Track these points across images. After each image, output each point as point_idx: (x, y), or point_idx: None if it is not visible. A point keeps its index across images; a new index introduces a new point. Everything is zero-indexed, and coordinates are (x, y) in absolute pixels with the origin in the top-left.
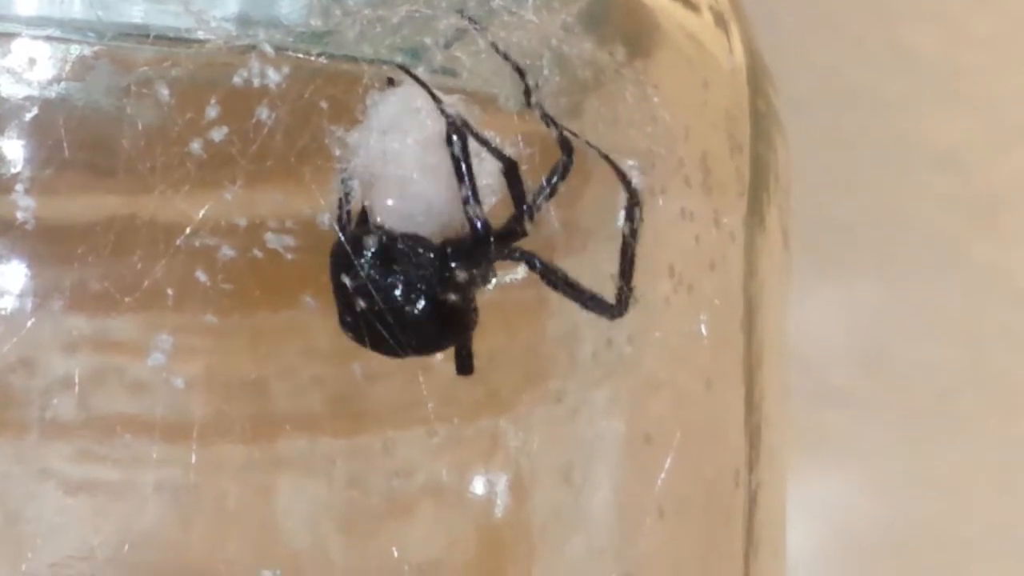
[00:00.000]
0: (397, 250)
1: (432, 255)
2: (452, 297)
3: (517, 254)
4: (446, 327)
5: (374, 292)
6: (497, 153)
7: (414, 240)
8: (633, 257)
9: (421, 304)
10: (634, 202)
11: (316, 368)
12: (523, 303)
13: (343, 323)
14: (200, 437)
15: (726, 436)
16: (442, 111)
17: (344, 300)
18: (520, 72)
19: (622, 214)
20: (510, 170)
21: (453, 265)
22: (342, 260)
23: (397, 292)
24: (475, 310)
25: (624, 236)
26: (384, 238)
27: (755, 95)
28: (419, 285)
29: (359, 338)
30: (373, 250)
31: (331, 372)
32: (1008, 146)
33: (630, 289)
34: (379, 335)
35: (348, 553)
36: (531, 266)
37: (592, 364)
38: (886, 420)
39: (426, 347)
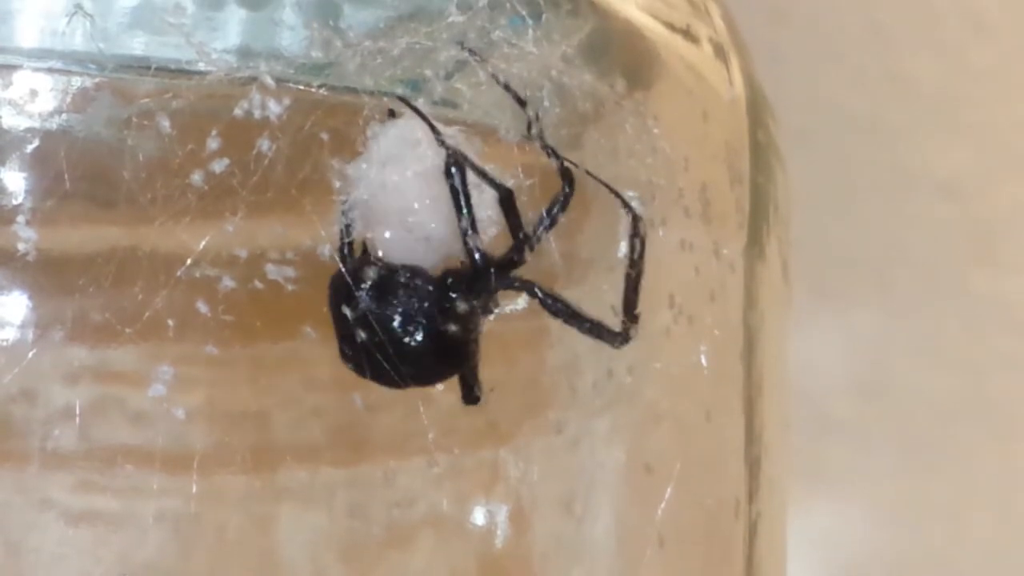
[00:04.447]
0: (397, 281)
1: (431, 287)
2: (452, 328)
3: (518, 284)
4: (445, 358)
5: (374, 323)
6: (493, 183)
7: (413, 272)
8: (638, 284)
9: (420, 336)
10: (637, 228)
11: (317, 398)
12: (523, 334)
13: (343, 354)
14: (201, 467)
15: (726, 466)
16: (440, 142)
17: (344, 331)
18: (521, 102)
19: (623, 244)
20: (506, 199)
21: (453, 296)
22: (342, 290)
23: (396, 323)
24: (476, 340)
25: (628, 263)
26: (384, 269)
27: (755, 126)
28: (418, 317)
29: (359, 369)
30: (373, 281)
31: (332, 402)
32: (1008, 176)
33: (634, 316)
34: (379, 366)
35: None
36: (533, 295)
37: (592, 394)
38: (886, 449)
39: (426, 378)
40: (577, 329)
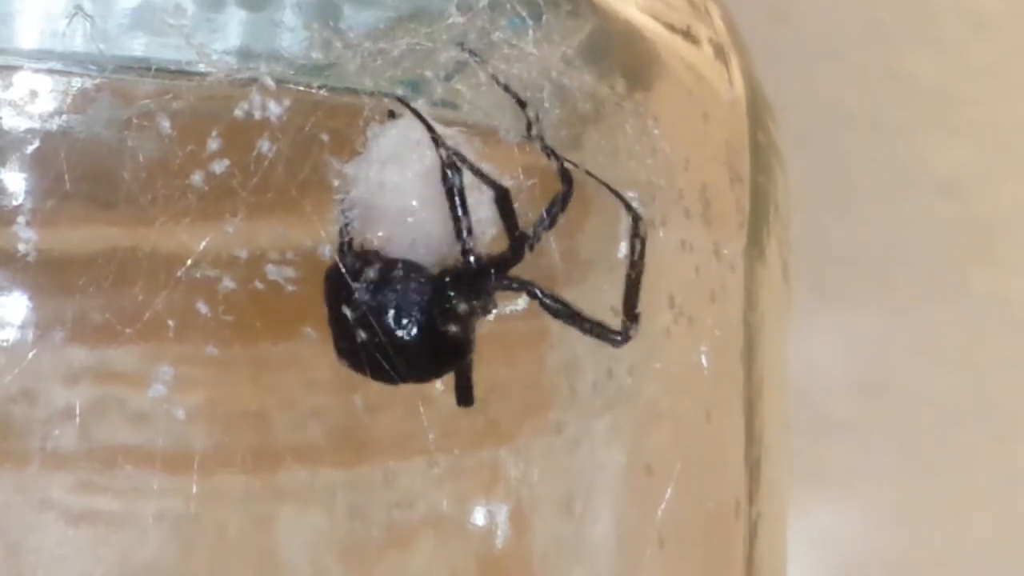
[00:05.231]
0: (394, 276)
1: (428, 282)
2: (451, 328)
3: (517, 284)
4: (442, 355)
5: (370, 317)
6: (490, 182)
7: (411, 267)
8: (638, 284)
9: (416, 330)
10: (638, 228)
11: (317, 399)
12: (523, 334)
13: (338, 351)
14: (201, 468)
15: (726, 467)
16: (438, 145)
17: (339, 327)
18: (521, 103)
19: (623, 244)
20: (502, 198)
21: (452, 296)
22: (338, 285)
23: (392, 317)
24: (472, 339)
25: (629, 263)
26: (381, 264)
27: (755, 127)
28: (415, 312)
29: (355, 365)
30: (370, 276)
31: (332, 403)
32: (1008, 175)
33: (635, 316)
34: (375, 362)
35: None
36: (533, 296)
37: (592, 395)
38: (886, 450)
39: (422, 374)
40: (577, 329)
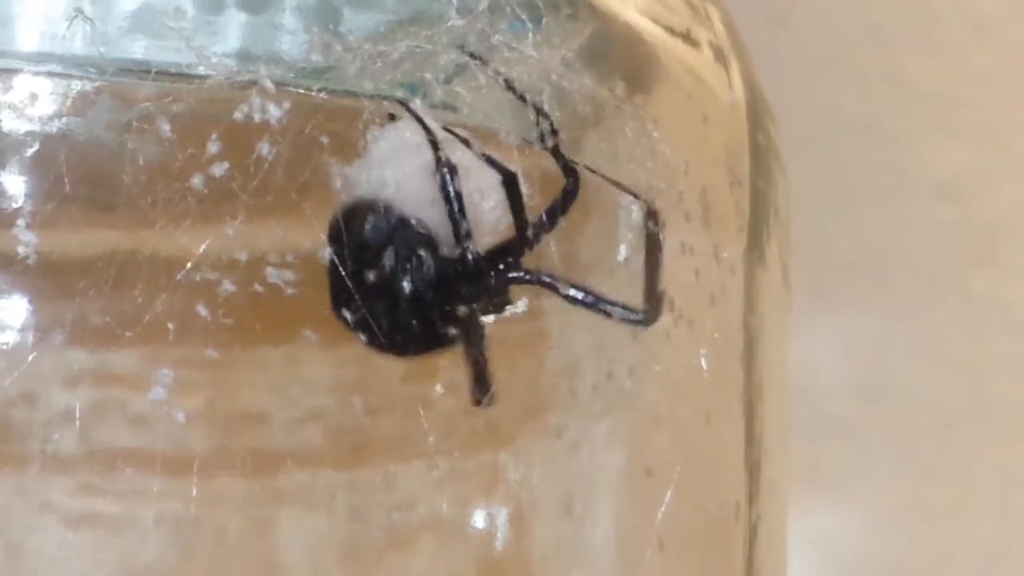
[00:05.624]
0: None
1: (426, 236)
2: (453, 328)
3: (530, 275)
4: (433, 326)
5: (366, 264)
6: (497, 166)
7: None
8: (659, 260)
9: (408, 285)
10: (648, 209)
11: (316, 401)
12: (523, 336)
13: (334, 308)
14: (201, 470)
15: (726, 469)
16: (435, 150)
17: (336, 280)
18: (524, 99)
19: (624, 248)
20: (510, 182)
21: (460, 292)
22: (338, 232)
23: (389, 268)
24: (478, 328)
25: (647, 241)
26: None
27: (755, 130)
28: (410, 265)
29: (347, 323)
30: (371, 224)
31: (332, 405)
32: (1008, 178)
33: (660, 293)
34: (370, 319)
35: None
36: (548, 286)
37: (592, 398)
38: (886, 452)
39: (412, 343)
40: (601, 314)
